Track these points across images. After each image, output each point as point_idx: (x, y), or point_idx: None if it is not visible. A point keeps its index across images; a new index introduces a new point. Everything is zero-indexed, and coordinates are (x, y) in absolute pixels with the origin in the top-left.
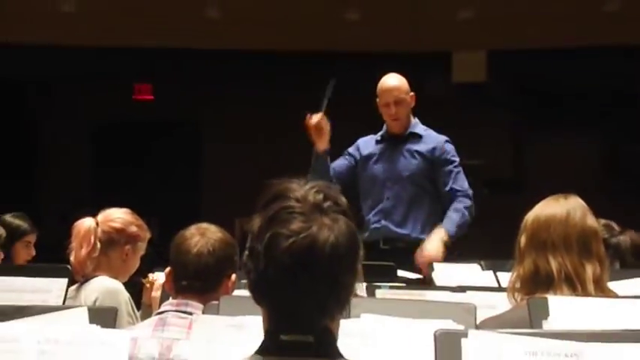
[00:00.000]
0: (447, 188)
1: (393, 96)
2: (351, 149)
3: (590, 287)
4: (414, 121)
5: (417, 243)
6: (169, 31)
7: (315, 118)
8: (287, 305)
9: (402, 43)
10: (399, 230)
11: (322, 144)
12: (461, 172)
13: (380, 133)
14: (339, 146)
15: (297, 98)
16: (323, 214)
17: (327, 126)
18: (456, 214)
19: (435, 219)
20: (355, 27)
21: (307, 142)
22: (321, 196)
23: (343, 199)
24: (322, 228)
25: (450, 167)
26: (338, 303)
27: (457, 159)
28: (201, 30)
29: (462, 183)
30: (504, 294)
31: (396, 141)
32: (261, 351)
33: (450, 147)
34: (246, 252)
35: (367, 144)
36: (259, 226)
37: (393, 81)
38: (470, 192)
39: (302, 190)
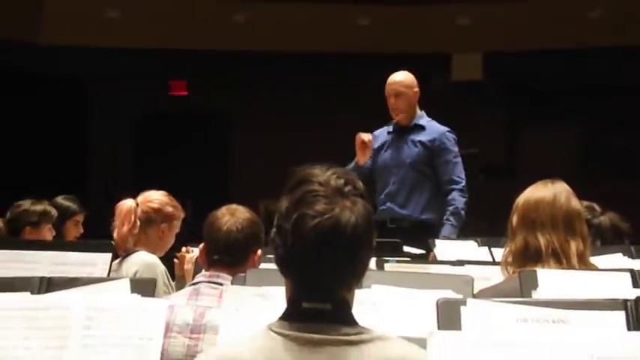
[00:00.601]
0: (446, 178)
1: (393, 89)
2: None
3: (575, 261)
4: (420, 113)
5: (419, 223)
6: (201, 34)
7: (366, 137)
8: (311, 277)
9: (407, 45)
10: (401, 211)
11: (363, 159)
12: (459, 162)
13: (391, 125)
14: (346, 141)
15: (313, 96)
16: (344, 197)
17: (372, 146)
18: (453, 218)
19: (435, 202)
20: (365, 31)
21: (322, 135)
22: (342, 181)
23: (360, 184)
24: (344, 210)
25: (449, 157)
26: (355, 276)
27: (455, 149)
28: (229, 33)
29: (459, 173)
30: (498, 267)
31: (403, 132)
32: (285, 317)
33: (450, 136)
34: (274, 230)
35: (381, 135)
36: (286, 207)
37: (395, 77)
38: (464, 183)
39: (324, 175)
